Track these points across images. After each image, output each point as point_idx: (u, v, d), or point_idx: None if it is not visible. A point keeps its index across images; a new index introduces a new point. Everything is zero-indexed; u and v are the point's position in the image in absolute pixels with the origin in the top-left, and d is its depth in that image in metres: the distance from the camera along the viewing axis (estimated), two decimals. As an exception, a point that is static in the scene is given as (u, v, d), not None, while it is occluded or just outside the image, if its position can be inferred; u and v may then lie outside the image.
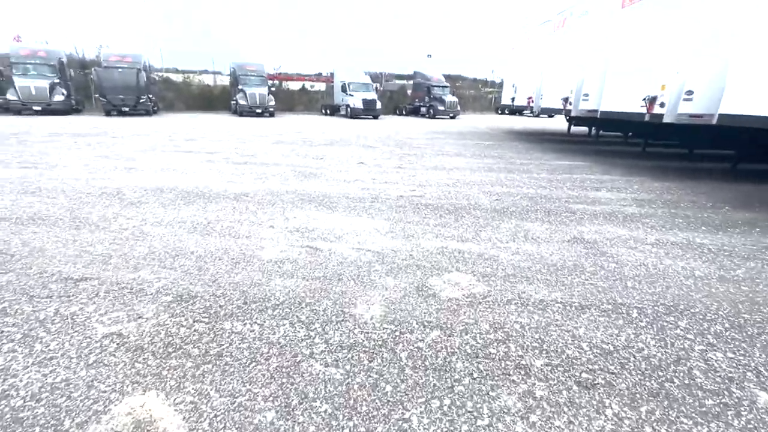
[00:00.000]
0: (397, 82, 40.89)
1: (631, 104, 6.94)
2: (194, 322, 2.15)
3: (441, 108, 25.40)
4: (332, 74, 26.87)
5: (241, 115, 21.07)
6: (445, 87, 26.86)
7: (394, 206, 4.52)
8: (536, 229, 3.86)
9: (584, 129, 14.43)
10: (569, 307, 2.41)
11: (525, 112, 34.17)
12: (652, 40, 6.79)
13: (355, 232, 3.65)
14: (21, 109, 16.52)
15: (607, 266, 3.04)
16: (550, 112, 14.31)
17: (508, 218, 4.20)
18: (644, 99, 6.47)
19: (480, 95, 47.61)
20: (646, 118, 6.53)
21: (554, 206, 4.73)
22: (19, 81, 16.45)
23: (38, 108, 16.62)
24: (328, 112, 26.88)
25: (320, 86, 35.72)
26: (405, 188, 5.42)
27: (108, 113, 17.96)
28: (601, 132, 13.24)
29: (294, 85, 35.04)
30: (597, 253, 3.30)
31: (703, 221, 4.32)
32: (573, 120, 13.94)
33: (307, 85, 36.19)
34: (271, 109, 21.35)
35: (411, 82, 38.89)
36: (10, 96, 16.39)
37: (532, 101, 12.45)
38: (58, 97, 17.08)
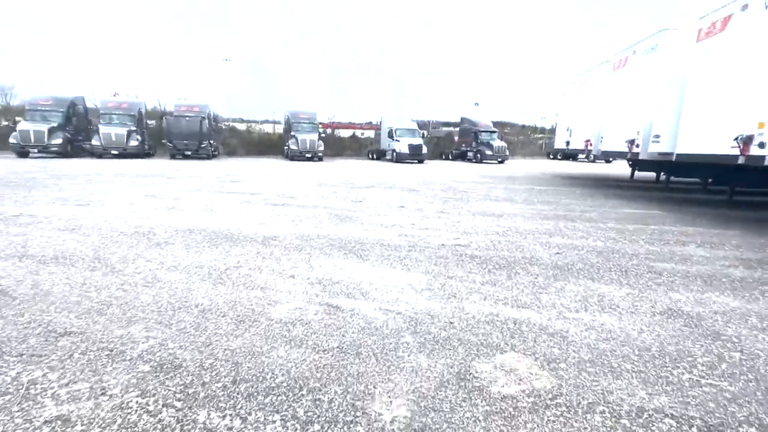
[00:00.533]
0: (444, 129, 41.51)
1: (718, 145, 5.96)
2: (163, 406, 1.66)
3: (488, 153, 24.92)
4: (380, 121, 27.63)
5: (292, 159, 22.00)
6: (493, 132, 26.51)
7: (434, 257, 3.93)
8: (613, 294, 3.06)
9: (651, 174, 13.09)
10: (688, 426, 1.63)
11: (580, 156, 32.57)
12: (736, 74, 5.92)
13: (385, 287, 3.09)
14: (102, 153, 18.45)
15: (728, 356, 2.18)
16: (611, 156, 13.23)
17: (575, 278, 3.43)
18: (736, 139, 5.51)
19: (529, 141, 46.91)
20: (740, 161, 5.51)
21: (632, 264, 3.87)
22: (102, 129, 18.52)
23: (116, 152, 18.47)
24: (375, 156, 27.39)
25: (369, 133, 37.81)
26: (448, 236, 4.82)
27: (173, 156, 19.55)
28: (672, 178, 11.88)
29: (345, 133, 37.07)
30: (707, 335, 2.44)
31: None
32: (638, 164, 12.74)
33: (358, 132, 38.35)
34: (320, 154, 22.11)
35: (458, 129, 39.37)
36: (94, 142, 18.43)
37: (590, 144, 11.55)
38: (133, 143, 18.92)
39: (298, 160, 21.75)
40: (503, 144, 25.47)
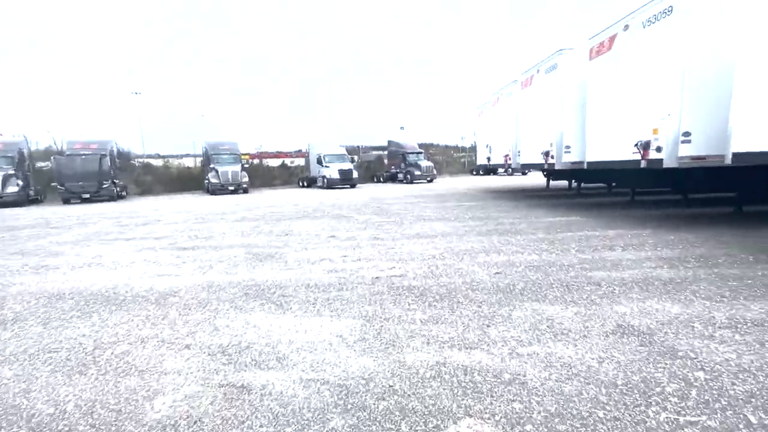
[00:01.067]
0: (374, 153, 42.27)
1: (621, 152, 6.42)
2: None
3: (417, 173, 25.51)
4: (308, 149, 27.05)
5: (213, 193, 20.34)
6: (420, 153, 27.36)
7: (368, 295, 3.44)
8: (561, 316, 2.82)
9: (564, 183, 14.19)
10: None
11: (500, 171, 34.99)
12: (627, 85, 6.50)
13: (309, 345, 2.52)
14: (-32, 203, 15.28)
15: (694, 379, 1.97)
16: (528, 168, 14.12)
17: (520, 301, 3.16)
18: (636, 145, 5.95)
19: (452, 159, 49.76)
20: (642, 164, 5.94)
21: (570, 277, 3.75)
22: (-32, 175, 15.42)
23: (-13, 201, 15.41)
24: (306, 184, 26.58)
25: (300, 161, 37.20)
26: (383, 265, 4.39)
27: (66, 201, 16.87)
28: (582, 184, 12.93)
29: (274, 162, 35.94)
30: (664, 353, 2.24)
31: (763, 282, 3.39)
32: (552, 174, 13.72)
33: (287, 161, 37.58)
34: (245, 186, 20.78)
35: (386, 152, 40.39)
36: (-43, 191, 15.23)
37: (509, 159, 12.16)
38: (12, 189, 16.01)
39: (221, 194, 20.16)
40: (430, 164, 26.32)
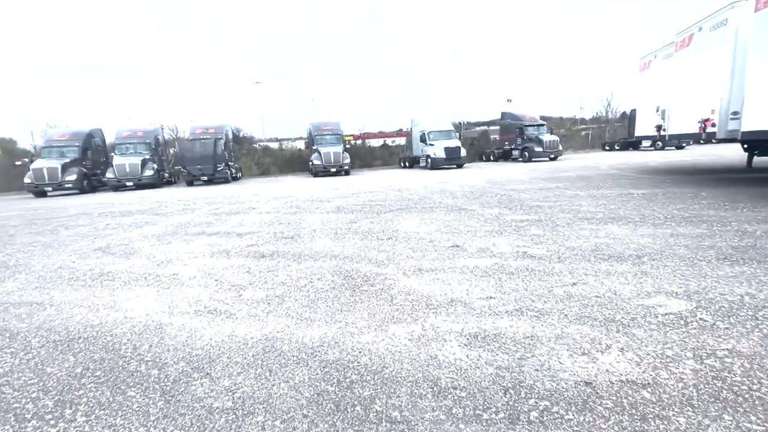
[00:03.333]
0: (477, 128, 38.60)
1: None
2: None
3: (538, 149, 21.67)
4: (411, 126, 25.16)
5: (316, 175, 20.05)
6: (541, 125, 23.20)
7: (578, 408, 1.34)
8: None
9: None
10: None
11: (643, 144, 28.36)
12: None
13: None
14: (116, 185, 17.35)
15: None
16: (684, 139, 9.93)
17: None
18: None
19: (572, 133, 43.05)
20: None
21: None
22: (116, 160, 17.46)
23: (131, 183, 17.30)
24: (407, 164, 24.95)
25: (401, 140, 36.43)
26: (581, 340, 2.20)
27: (189, 183, 18.15)
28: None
29: (375, 143, 35.76)
30: None
31: None
32: (757, 147, 9.38)
33: (389, 141, 37.25)
34: (347, 167, 19.97)
35: (496, 127, 36.52)
36: (109, 174, 17.37)
37: (709, 125, 8.36)
38: (148, 172, 17.71)
39: (323, 176, 19.73)
40: (555, 138, 22.08)
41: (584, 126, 47.54)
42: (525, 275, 3.26)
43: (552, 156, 21.79)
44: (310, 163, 21.09)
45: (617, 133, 39.84)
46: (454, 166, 20.56)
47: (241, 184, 17.57)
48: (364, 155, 30.55)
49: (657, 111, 10.26)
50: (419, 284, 3.20)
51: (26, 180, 16.55)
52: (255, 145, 32.67)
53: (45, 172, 16.39)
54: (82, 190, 17.32)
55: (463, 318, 2.54)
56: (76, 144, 17.89)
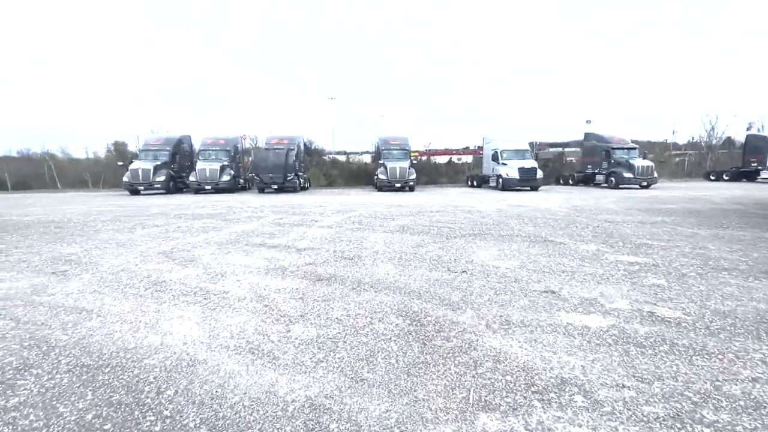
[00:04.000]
0: (551, 150, 36.18)
1: None
2: None
3: (628, 175, 19.30)
4: (481, 145, 24.06)
5: (380, 190, 19.81)
6: (633, 149, 20.71)
7: None
8: None
9: None
10: None
11: (762, 175, 24.12)
12: None
13: None
14: (197, 188, 18.64)
15: None
16: None
17: None
18: None
19: (664, 159, 38.44)
20: None
21: None
22: (199, 165, 18.80)
23: (209, 187, 18.47)
24: (476, 183, 23.78)
25: (467, 158, 35.59)
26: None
27: (261, 190, 18.92)
28: None
29: (441, 159, 35.44)
30: None
31: None
32: None
33: (455, 158, 36.91)
34: (411, 183, 19.47)
35: (573, 149, 34.18)
36: (191, 177, 18.74)
37: None
38: (225, 178, 18.80)
39: (387, 191, 19.42)
40: (649, 164, 19.50)
41: (678, 152, 42.27)
42: (664, 352, 2.33)
43: (644, 184, 19.24)
44: (375, 177, 20.95)
45: (720, 162, 34.73)
46: (528, 188, 19.04)
47: (309, 195, 17.88)
48: (430, 171, 30.02)
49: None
50: (511, 346, 2.43)
51: (125, 179, 18.47)
52: (324, 157, 33.97)
53: (140, 172, 18.16)
54: (168, 191, 18.88)
55: (589, 420, 1.73)
56: (168, 149, 19.66)
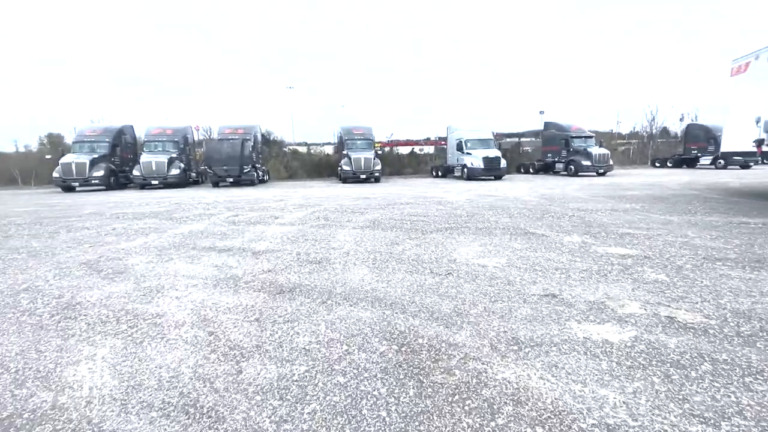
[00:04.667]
0: (508, 140, 37.11)
1: None
2: None
3: (586, 163, 19.85)
4: (445, 135, 23.86)
5: (345, 181, 19.07)
6: (590, 137, 21.35)
7: None
8: None
9: None
10: None
11: (701, 162, 25.83)
12: None
13: None
14: (142, 183, 16.93)
15: None
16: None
17: None
18: None
19: (611, 148, 40.66)
20: None
21: None
22: (143, 157, 17.08)
23: (156, 182, 16.84)
24: (440, 174, 23.61)
25: (428, 149, 35.10)
26: None
27: (215, 184, 17.53)
28: None
29: (403, 150, 35.27)
30: None
31: None
32: None
33: (417, 149, 37.00)
34: (377, 174, 18.88)
35: (528, 138, 35.27)
36: (135, 172, 16.99)
37: None
38: (174, 171, 17.22)
39: (352, 182, 18.71)
40: (605, 151, 20.17)
41: (623, 141, 44.69)
42: (710, 374, 1.92)
43: (601, 171, 19.88)
44: (339, 168, 20.16)
45: (660, 150, 37.07)
46: (492, 177, 19.07)
47: (268, 188, 16.78)
48: (393, 162, 29.58)
49: (757, 123, 8.55)
50: (530, 377, 1.93)
51: (55, 174, 16.39)
52: (284, 149, 32.78)
53: (73, 167, 16.16)
54: (109, 187, 17.02)
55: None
56: (107, 140, 17.68)
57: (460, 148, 20.04)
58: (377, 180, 19.07)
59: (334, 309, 2.87)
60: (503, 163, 19.04)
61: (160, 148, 17.92)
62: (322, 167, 27.92)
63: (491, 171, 18.72)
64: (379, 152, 21.19)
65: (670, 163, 28.59)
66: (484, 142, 20.03)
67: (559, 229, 5.74)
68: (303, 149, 34.60)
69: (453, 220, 6.69)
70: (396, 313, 2.77)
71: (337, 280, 3.57)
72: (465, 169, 19.30)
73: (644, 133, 41.62)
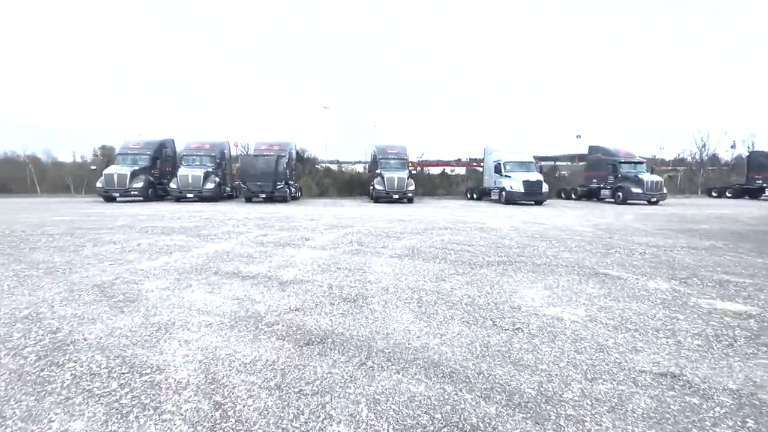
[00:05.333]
0: (542, 163, 35.96)
1: None
2: None
3: (636, 190, 18.43)
4: (479, 157, 23.09)
5: (377, 201, 18.59)
6: (640, 163, 19.91)
7: None
8: None
9: None
10: None
11: (767, 194, 23.50)
12: None
13: None
14: (178, 196, 17.18)
15: None
16: None
17: None
18: None
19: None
20: None
21: None
22: (181, 171, 17.38)
23: (191, 195, 17.03)
24: (475, 196, 22.72)
25: (460, 170, 35.16)
26: None
27: (248, 199, 17.53)
28: None
29: (434, 171, 35.01)
30: None
31: None
32: None
33: (448, 169, 36.75)
34: (410, 195, 18.29)
35: (565, 163, 34.02)
36: (172, 184, 17.29)
37: None
38: (209, 185, 17.39)
39: (384, 202, 18.20)
40: (658, 179, 18.68)
41: (666, 167, 42.03)
42: None
43: (654, 200, 18.35)
44: (371, 187, 19.76)
45: (710, 178, 34.40)
46: (533, 202, 17.99)
47: (299, 205, 16.55)
48: (424, 183, 29.04)
49: None
50: None
51: (98, 184, 16.94)
52: (317, 166, 33.16)
53: (115, 178, 16.66)
54: (147, 198, 17.39)
55: None
56: (148, 153, 18.21)
57: (498, 170, 19.17)
58: (410, 201, 18.47)
59: (377, 376, 2.21)
60: (545, 187, 17.96)
61: (197, 162, 18.24)
62: (354, 185, 27.82)
63: (531, 195, 17.67)
64: (414, 172, 20.65)
65: (729, 193, 26.27)
66: (524, 165, 19.07)
67: (635, 269, 4.84)
68: (335, 167, 35.00)
69: (503, 252, 5.91)
70: (460, 390, 2.07)
71: (376, 328, 2.91)
72: (503, 193, 18.35)
73: (693, 160, 38.93)
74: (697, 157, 37.95)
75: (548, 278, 4.39)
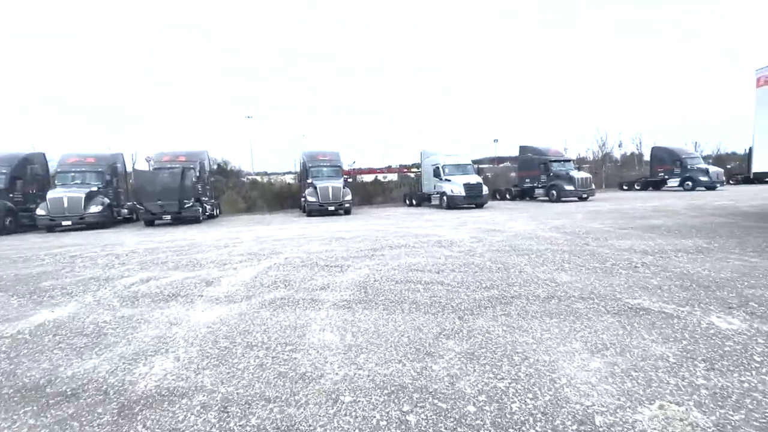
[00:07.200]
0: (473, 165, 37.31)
1: None
2: None
3: (569, 188, 18.71)
4: (421, 159, 22.17)
5: (310, 214, 16.47)
6: (569, 161, 20.47)
7: None
8: None
9: None
10: None
11: (669, 184, 25.90)
12: None
13: None
14: (49, 224, 13.37)
15: None
16: None
17: None
18: None
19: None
20: None
21: None
22: (51, 193, 13.60)
23: (68, 222, 13.36)
24: (414, 202, 21.65)
25: (392, 176, 35.73)
26: None
27: (149, 223, 14.26)
28: None
29: (367, 178, 34.47)
30: None
31: None
32: None
33: (380, 176, 36.92)
34: (347, 205, 16.51)
35: (485, 165, 35.33)
36: (40, 210, 13.42)
37: None
38: (95, 208, 13.85)
39: (318, 215, 16.15)
40: (587, 175, 19.23)
41: (585, 165, 45.94)
42: None
43: (584, 196, 18.81)
44: (303, 199, 17.60)
45: (609, 174, 38.13)
46: (473, 205, 17.32)
47: (215, 226, 13.81)
48: (359, 191, 27.53)
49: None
50: None
51: None
52: (243, 179, 30.86)
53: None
54: (4, 230, 13.27)
55: None
56: (3, 171, 14.02)
57: (437, 174, 18.24)
58: (347, 212, 16.67)
59: None
60: (485, 189, 17.40)
61: (78, 181, 14.52)
62: (284, 197, 25.53)
63: (473, 199, 16.98)
64: (349, 180, 18.94)
65: (637, 185, 28.69)
66: (462, 168, 18.39)
67: (669, 296, 3.61)
68: (264, 179, 33.13)
69: (485, 279, 4.42)
70: None
71: None
72: (445, 197, 17.42)
73: (594, 158, 42.86)
74: (599, 155, 41.73)
75: (576, 326, 2.93)
